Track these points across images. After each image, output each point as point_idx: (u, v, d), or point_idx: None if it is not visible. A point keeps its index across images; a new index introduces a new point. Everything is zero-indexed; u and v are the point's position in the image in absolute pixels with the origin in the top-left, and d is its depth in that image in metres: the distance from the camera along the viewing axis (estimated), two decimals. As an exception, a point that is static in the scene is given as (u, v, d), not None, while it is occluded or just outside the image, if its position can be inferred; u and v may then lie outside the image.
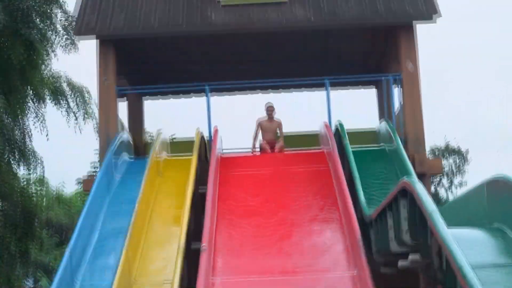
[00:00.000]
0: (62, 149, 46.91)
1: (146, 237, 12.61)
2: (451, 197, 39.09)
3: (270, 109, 17.43)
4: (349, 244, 11.77)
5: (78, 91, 23.54)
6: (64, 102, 23.08)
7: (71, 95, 23.33)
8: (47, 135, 22.13)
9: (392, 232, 10.41)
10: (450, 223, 8.38)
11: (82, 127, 23.18)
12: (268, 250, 12.04)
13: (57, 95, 22.75)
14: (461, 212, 9.98)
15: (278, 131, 17.41)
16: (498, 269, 7.58)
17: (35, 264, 19.99)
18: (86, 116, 23.39)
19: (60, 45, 21.90)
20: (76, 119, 23.00)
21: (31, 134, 20.94)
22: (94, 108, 23.24)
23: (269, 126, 17.24)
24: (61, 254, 11.42)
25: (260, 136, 17.54)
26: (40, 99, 21.60)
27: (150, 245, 12.45)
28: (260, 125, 17.33)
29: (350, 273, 11.18)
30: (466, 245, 7.83)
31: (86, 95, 23.66)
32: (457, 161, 40.12)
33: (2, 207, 18.73)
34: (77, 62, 30.20)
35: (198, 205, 13.40)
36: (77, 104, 23.41)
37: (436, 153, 38.26)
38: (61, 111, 23.06)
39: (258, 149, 17.43)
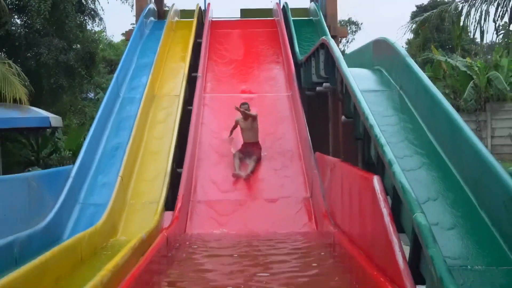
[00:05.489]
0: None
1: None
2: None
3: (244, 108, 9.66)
4: (287, 77, 11.65)
5: None
6: None
7: None
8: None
9: (314, 70, 10.35)
10: (349, 65, 8.24)
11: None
12: (237, 80, 11.92)
13: None
14: (356, 59, 9.80)
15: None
16: (376, 93, 7.53)
17: (95, 84, 19.69)
18: None
19: None
20: None
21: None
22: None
23: (243, 124, 9.61)
24: (110, 79, 11.07)
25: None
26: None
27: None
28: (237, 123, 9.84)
29: (287, 94, 11.11)
30: (357, 78, 7.74)
31: None
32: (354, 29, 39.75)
33: (77, 49, 18.13)
34: None
35: (196, 51, 12.98)
36: None
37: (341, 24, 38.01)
38: None
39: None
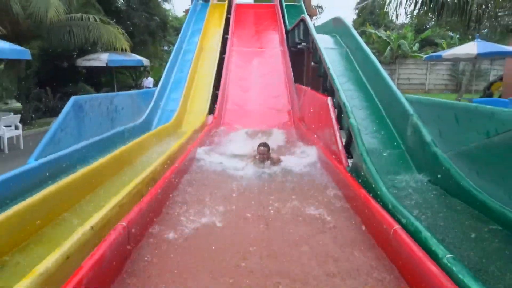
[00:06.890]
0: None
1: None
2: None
3: (261, 152, 4.65)
4: (280, 39, 11.17)
5: None
6: None
7: None
8: None
9: (296, 35, 9.90)
10: (317, 32, 7.90)
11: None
12: (251, 39, 11.40)
13: None
14: (322, 29, 9.33)
15: None
16: (332, 49, 7.27)
17: (168, 41, 18.99)
18: None
19: None
20: None
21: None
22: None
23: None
24: (177, 39, 10.61)
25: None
26: None
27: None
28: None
29: (280, 49, 10.70)
30: (322, 40, 7.46)
31: None
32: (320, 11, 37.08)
33: (156, 20, 17.16)
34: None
35: (226, 22, 12.31)
36: None
37: (313, 7, 34.96)
38: None
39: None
